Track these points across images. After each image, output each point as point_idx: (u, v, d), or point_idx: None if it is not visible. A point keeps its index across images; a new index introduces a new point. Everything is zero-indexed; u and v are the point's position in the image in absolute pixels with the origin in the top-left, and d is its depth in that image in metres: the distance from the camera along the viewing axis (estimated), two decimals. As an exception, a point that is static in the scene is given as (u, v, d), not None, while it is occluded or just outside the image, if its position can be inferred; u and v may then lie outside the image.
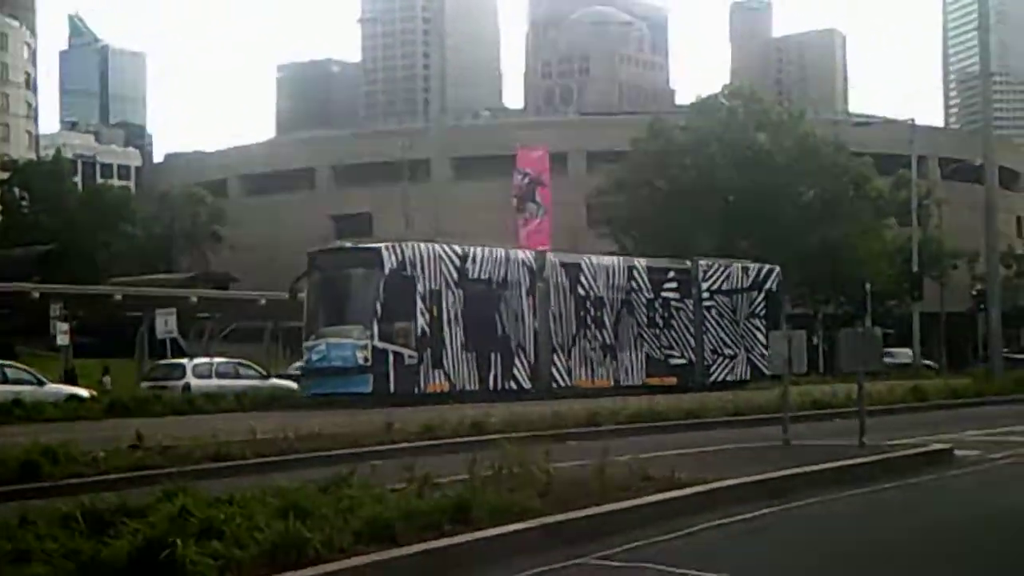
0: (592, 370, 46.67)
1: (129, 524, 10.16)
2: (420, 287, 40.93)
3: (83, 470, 16.77)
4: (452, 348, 41.66)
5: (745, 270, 53.55)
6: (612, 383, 46.56)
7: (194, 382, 42.54)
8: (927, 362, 74.12)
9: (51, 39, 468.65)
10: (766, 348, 45.15)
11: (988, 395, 38.84)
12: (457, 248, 43.45)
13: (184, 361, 46.07)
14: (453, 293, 41.97)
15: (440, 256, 42.05)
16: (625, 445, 18.01)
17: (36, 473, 16.28)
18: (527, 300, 44.59)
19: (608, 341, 47.36)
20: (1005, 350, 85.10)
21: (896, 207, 78.76)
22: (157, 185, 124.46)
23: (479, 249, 44.11)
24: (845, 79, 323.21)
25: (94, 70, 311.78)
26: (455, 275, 42.14)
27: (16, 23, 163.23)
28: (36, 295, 53.49)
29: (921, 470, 17.64)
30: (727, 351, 51.71)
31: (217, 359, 46.84)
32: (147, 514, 10.58)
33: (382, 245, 41.93)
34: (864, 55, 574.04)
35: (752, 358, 51.22)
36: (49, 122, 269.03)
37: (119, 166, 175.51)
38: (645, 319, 48.85)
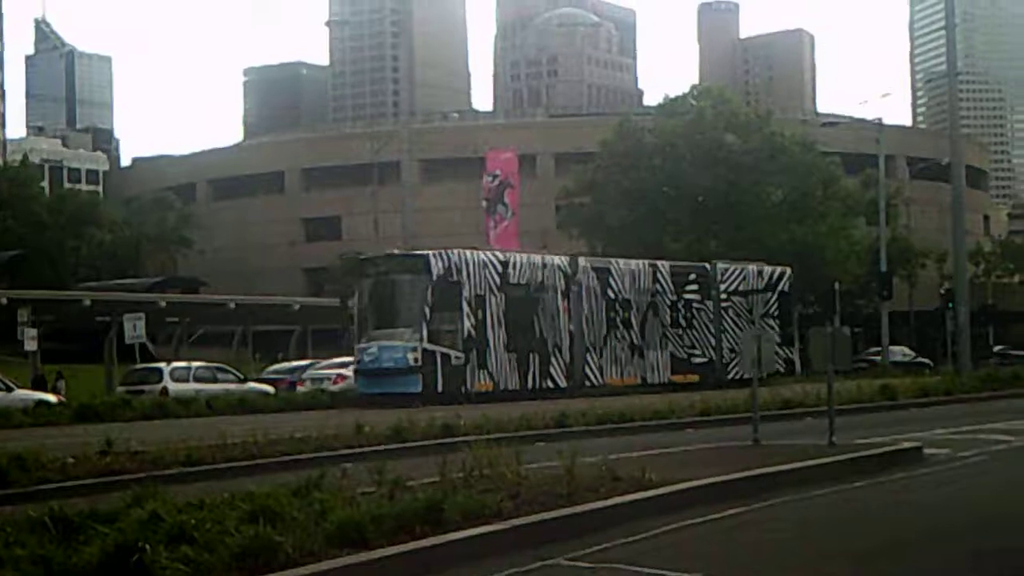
0: (622, 369, 48.57)
1: (99, 529, 10.16)
2: (465, 292, 42.78)
3: (52, 476, 16.72)
4: (495, 349, 43.54)
5: (759, 272, 55.29)
6: (640, 381, 48.70)
7: (172, 386, 42.30)
8: (923, 360, 74.29)
9: (17, 44, 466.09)
10: (779, 346, 47.19)
11: (958, 393, 39.07)
12: (499, 254, 46.30)
13: (162, 365, 45.75)
14: (495, 297, 43.83)
15: (484, 262, 44.01)
16: (594, 446, 18.05)
17: (4, 480, 16.22)
18: (562, 303, 46.37)
19: (636, 341, 49.15)
20: (1002, 347, 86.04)
21: (865, 206, 78.96)
22: (125, 189, 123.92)
23: (519, 255, 46.99)
24: (813, 79, 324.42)
25: (60, 75, 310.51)
26: (497, 280, 43.99)
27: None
28: (3, 300, 53.03)
29: (891, 469, 17.74)
30: None
31: (195, 363, 46.65)
32: (117, 519, 10.57)
33: (430, 252, 43.38)
34: (832, 55, 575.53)
35: None
36: (16, 127, 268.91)
37: (87, 171, 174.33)
38: (669, 319, 50.74)
